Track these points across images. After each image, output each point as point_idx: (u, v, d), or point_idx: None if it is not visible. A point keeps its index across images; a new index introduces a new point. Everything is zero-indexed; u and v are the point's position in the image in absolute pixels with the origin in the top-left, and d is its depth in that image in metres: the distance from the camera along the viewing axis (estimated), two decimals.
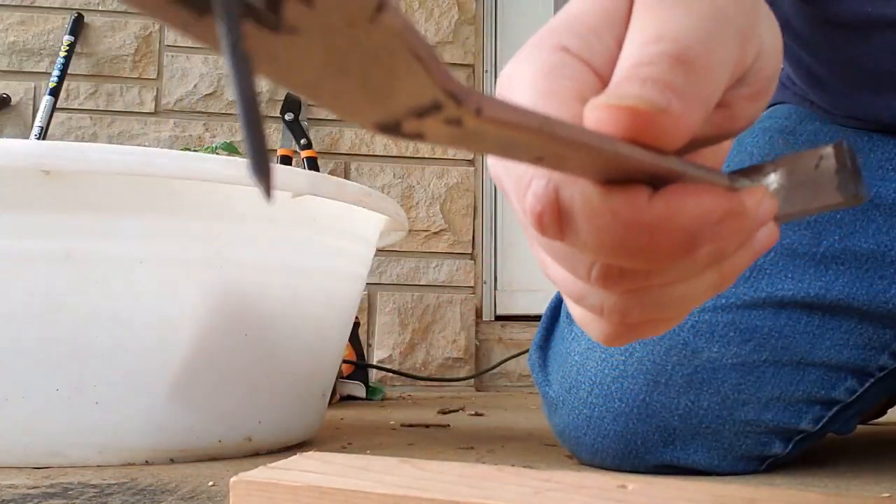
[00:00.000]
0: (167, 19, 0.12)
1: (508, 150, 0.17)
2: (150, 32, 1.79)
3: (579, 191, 0.20)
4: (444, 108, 0.14)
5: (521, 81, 0.22)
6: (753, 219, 0.22)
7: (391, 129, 0.15)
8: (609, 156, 0.19)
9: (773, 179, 0.25)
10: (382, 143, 1.83)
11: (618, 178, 0.20)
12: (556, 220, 0.21)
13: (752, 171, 0.25)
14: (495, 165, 0.24)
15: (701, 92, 0.21)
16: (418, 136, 0.15)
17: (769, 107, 0.70)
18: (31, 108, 1.73)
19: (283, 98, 1.78)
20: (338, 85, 0.13)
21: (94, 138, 1.73)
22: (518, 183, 0.22)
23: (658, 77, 0.20)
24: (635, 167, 0.20)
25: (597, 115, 0.20)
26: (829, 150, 0.24)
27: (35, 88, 1.74)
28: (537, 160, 0.18)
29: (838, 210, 0.29)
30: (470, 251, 1.83)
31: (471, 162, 1.86)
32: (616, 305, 0.24)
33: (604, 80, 0.22)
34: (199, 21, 0.11)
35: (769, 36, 0.25)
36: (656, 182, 0.21)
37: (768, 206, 0.23)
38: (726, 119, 0.24)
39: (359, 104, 0.14)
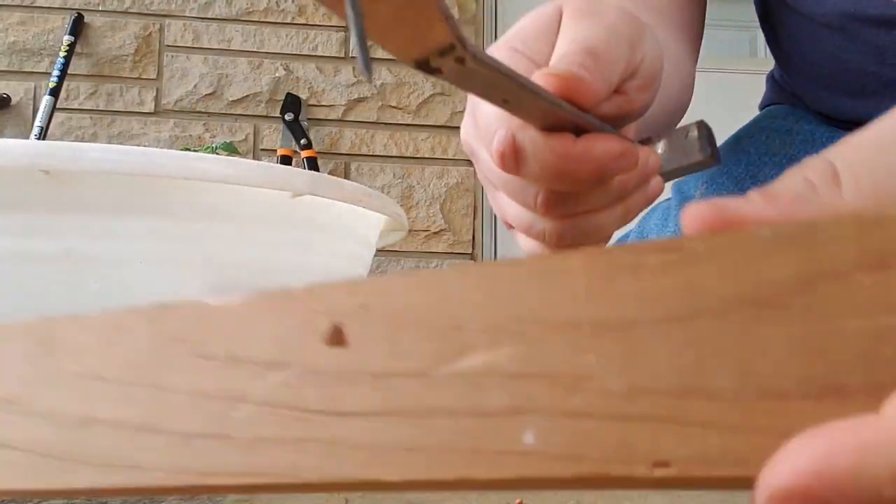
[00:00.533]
0: None
1: (487, 90, 0.26)
2: (150, 32, 1.79)
3: (529, 135, 0.30)
4: (455, 49, 0.21)
5: None
6: (644, 165, 0.33)
7: (423, 64, 0.22)
8: (549, 106, 0.28)
9: (657, 146, 0.36)
10: (382, 144, 1.83)
11: (554, 127, 0.30)
12: (513, 156, 0.30)
13: (643, 142, 0.36)
14: (466, 135, 0.36)
15: (602, 71, 0.30)
16: (438, 71, 0.22)
17: (766, 107, 0.70)
18: (31, 108, 1.73)
19: (283, 99, 1.78)
20: (396, 32, 0.21)
21: (94, 138, 1.73)
22: (486, 134, 0.32)
23: (575, 60, 0.30)
24: (565, 119, 0.29)
25: (541, 79, 0.29)
26: (693, 125, 0.36)
27: (35, 88, 1.74)
28: (504, 102, 0.27)
29: (703, 170, 0.39)
30: (470, 251, 1.83)
31: (471, 162, 1.85)
32: (554, 230, 0.34)
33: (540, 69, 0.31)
34: None
35: (651, 47, 0.34)
36: (578, 132, 0.30)
37: (654, 159, 0.34)
38: (626, 103, 0.33)
39: (407, 45, 0.21)
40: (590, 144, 0.30)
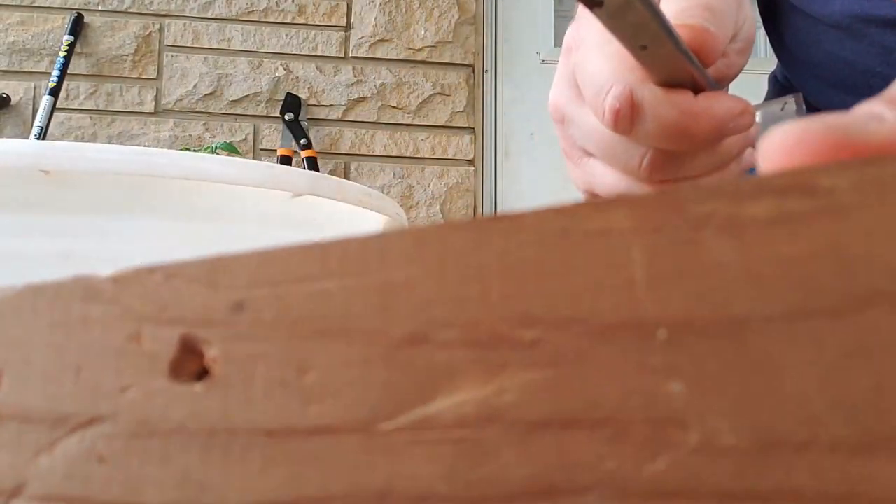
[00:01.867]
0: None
1: (635, 32, 0.25)
2: (150, 32, 1.79)
3: (649, 89, 0.29)
4: None
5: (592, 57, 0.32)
6: (749, 131, 0.32)
7: None
8: (681, 58, 0.27)
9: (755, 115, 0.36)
10: (382, 144, 1.83)
11: (672, 83, 0.29)
12: (629, 111, 0.29)
13: None
14: (559, 98, 0.34)
15: (722, 25, 0.31)
16: (598, 5, 0.22)
17: None
18: (30, 108, 1.73)
19: (283, 99, 1.78)
20: None
21: (93, 138, 1.73)
22: (597, 91, 0.31)
23: (698, 13, 0.31)
24: (687, 75, 0.29)
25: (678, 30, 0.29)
26: (790, 97, 0.35)
27: (35, 88, 1.74)
28: (642, 49, 0.26)
29: None
30: None
31: (471, 162, 1.86)
32: None
33: None
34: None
35: (748, 10, 0.36)
36: (695, 91, 0.30)
37: (756, 127, 0.33)
38: (726, 66, 0.34)
39: None
40: (711, 101, 0.30)
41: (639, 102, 0.29)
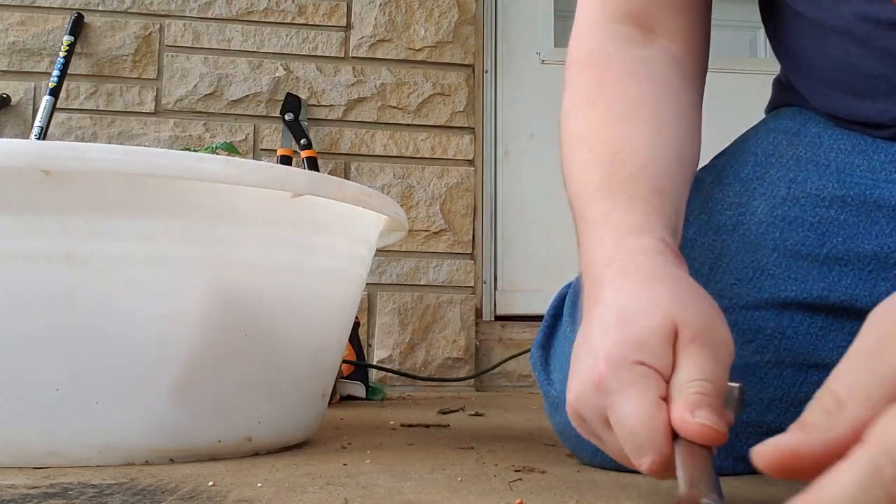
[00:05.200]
0: None
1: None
2: (150, 32, 1.79)
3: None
4: None
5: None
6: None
7: None
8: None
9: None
10: (382, 144, 1.83)
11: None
12: (659, 469, 0.39)
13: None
14: (583, 403, 0.43)
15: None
16: None
17: (774, 108, 0.69)
18: (31, 108, 1.73)
19: (283, 99, 1.77)
20: None
21: (94, 138, 1.73)
22: (635, 450, 0.40)
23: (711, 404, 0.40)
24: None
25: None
26: (737, 387, 0.42)
27: (35, 88, 1.74)
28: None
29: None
30: (470, 251, 1.83)
31: (471, 162, 1.86)
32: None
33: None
34: None
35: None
36: None
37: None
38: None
39: None
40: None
41: (667, 460, 0.39)
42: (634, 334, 0.42)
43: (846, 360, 0.30)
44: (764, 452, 0.29)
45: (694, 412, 0.38)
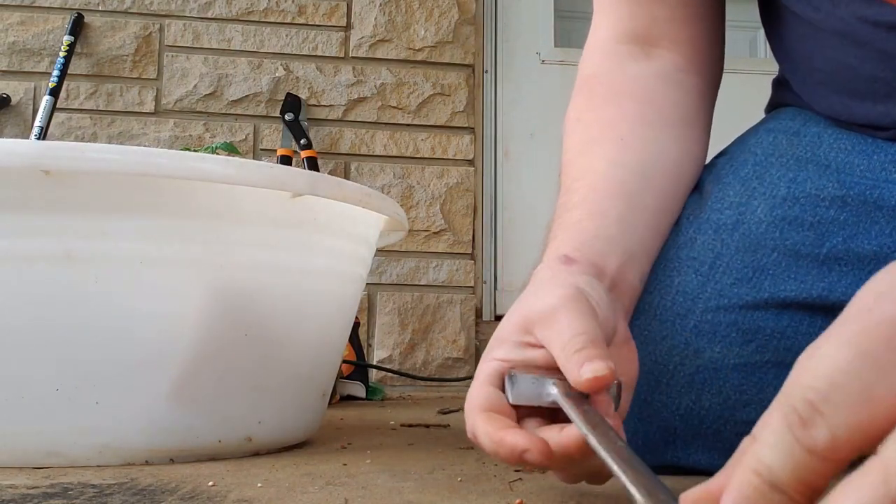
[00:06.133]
0: None
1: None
2: (150, 32, 1.79)
3: (480, 420, 0.44)
4: None
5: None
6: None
7: None
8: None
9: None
10: (382, 144, 1.83)
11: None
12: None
13: None
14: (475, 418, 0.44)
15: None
16: None
17: (773, 109, 0.69)
18: (31, 108, 1.73)
19: (283, 99, 1.77)
20: None
21: (94, 138, 1.73)
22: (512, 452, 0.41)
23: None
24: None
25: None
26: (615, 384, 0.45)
27: (35, 88, 1.74)
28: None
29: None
30: (470, 251, 1.83)
31: (471, 162, 1.86)
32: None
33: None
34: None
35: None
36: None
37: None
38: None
39: None
40: (507, 434, 0.42)
41: (472, 430, 0.44)
42: (495, 336, 0.48)
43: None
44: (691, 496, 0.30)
45: (581, 371, 0.41)
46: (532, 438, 0.40)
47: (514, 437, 0.41)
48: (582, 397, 0.41)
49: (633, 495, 0.31)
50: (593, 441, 0.37)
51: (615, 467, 0.34)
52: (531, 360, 0.45)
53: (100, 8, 1.77)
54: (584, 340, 0.42)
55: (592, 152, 0.59)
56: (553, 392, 0.42)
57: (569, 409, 0.40)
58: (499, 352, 0.46)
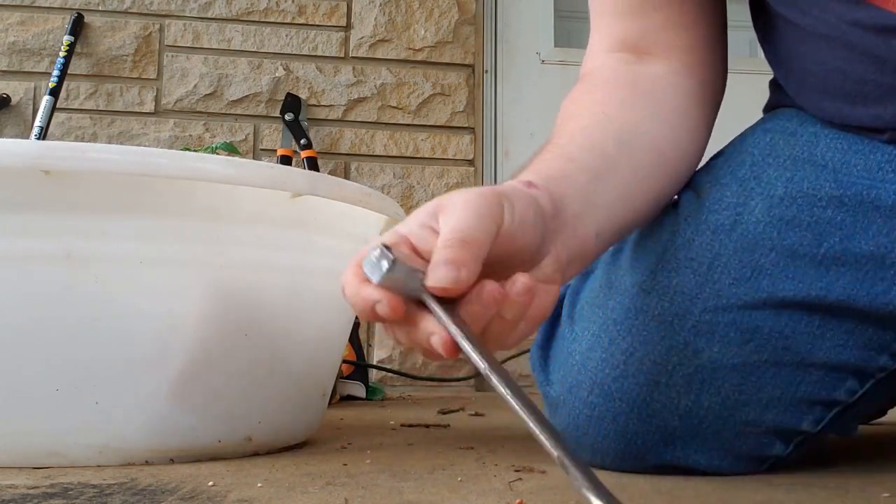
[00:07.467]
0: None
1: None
2: (150, 32, 1.79)
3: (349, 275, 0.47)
4: None
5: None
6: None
7: None
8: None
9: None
10: (382, 144, 1.83)
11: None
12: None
13: None
14: (352, 290, 0.46)
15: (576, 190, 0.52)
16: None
17: (771, 109, 0.70)
18: (31, 108, 1.73)
19: (283, 99, 1.78)
20: None
21: (94, 138, 1.73)
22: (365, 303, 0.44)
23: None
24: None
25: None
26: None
27: (35, 88, 1.74)
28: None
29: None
30: None
31: (471, 162, 1.86)
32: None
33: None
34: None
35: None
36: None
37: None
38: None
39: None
40: (362, 289, 0.45)
41: (342, 281, 0.47)
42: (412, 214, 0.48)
43: None
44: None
45: (431, 274, 0.42)
46: (386, 294, 0.42)
47: (370, 290, 0.43)
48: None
49: (498, 389, 0.39)
50: (466, 347, 0.41)
51: (481, 364, 0.40)
52: (427, 241, 0.44)
53: (100, 8, 1.77)
54: (456, 240, 0.42)
55: (577, 120, 0.60)
56: (419, 288, 0.43)
57: (433, 305, 0.42)
58: (403, 227, 0.46)
